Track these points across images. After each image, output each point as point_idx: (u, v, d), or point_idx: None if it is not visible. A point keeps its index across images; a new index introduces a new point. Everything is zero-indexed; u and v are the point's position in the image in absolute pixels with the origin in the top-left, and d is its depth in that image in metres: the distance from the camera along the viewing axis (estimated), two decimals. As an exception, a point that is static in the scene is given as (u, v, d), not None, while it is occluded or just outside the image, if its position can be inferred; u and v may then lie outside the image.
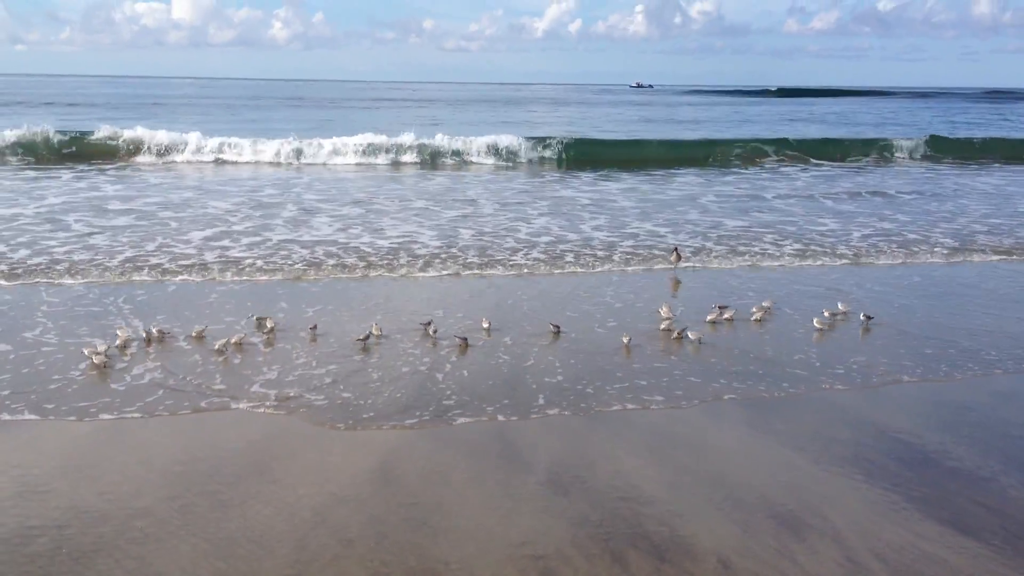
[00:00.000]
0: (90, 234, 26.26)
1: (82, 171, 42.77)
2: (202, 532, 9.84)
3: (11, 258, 22.71)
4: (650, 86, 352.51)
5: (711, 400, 14.26)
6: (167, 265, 22.50)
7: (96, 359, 14.72)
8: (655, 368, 15.66)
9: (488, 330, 17.43)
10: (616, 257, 24.96)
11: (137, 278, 21.13)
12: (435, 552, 9.62)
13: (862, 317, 18.69)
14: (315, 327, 17.06)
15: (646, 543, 9.89)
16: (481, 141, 53.51)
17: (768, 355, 16.52)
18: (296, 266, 22.86)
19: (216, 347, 15.74)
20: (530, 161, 53.19)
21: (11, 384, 14.03)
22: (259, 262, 23.17)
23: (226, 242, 25.67)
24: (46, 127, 50.29)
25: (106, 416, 12.99)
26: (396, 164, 51.07)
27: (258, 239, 26.33)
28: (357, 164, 50.22)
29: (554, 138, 56.43)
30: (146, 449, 11.96)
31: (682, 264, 23.73)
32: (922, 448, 12.58)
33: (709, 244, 27.34)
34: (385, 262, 23.60)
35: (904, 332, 18.13)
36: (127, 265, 22.30)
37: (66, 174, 41.37)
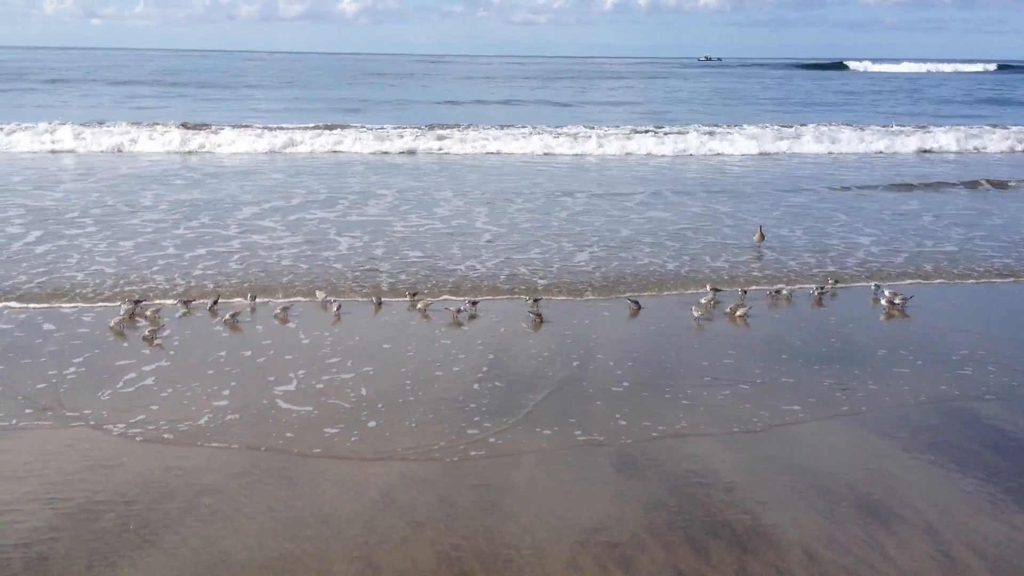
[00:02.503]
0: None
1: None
2: (269, 511, 9.64)
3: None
4: (719, 59, 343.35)
5: (790, 383, 13.69)
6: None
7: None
8: (731, 350, 15.15)
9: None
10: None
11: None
12: (506, 536, 9.27)
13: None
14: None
15: (727, 531, 9.42)
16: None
17: (848, 336, 15.86)
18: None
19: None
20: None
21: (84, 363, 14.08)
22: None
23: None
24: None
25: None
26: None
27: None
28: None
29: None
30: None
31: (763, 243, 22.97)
32: (1018, 436, 11.85)
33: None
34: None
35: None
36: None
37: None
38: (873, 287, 18.82)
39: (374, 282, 18.89)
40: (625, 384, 13.49)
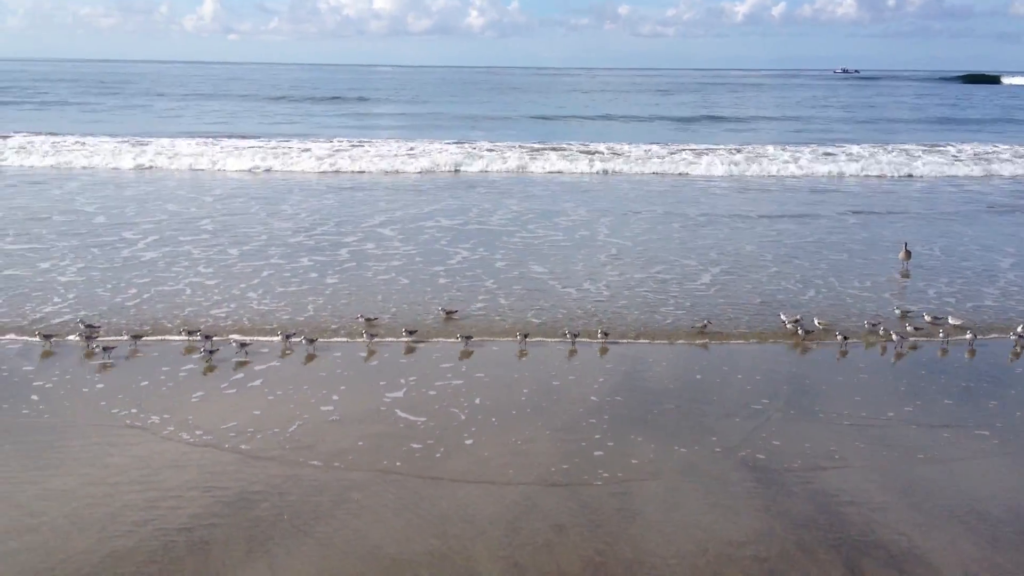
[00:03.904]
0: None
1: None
2: (415, 508, 9.82)
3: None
4: (856, 72, 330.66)
5: (942, 405, 13.15)
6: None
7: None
8: (884, 375, 14.70)
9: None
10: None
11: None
12: (650, 545, 9.17)
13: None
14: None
15: (882, 552, 9.07)
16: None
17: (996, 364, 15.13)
18: None
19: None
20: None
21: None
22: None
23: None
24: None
25: (317, 390, 13.36)
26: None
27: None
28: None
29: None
30: (361, 417, 12.19)
31: (910, 261, 22.12)
32: None
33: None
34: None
35: None
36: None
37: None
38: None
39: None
40: (764, 402, 13.22)
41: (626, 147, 48.38)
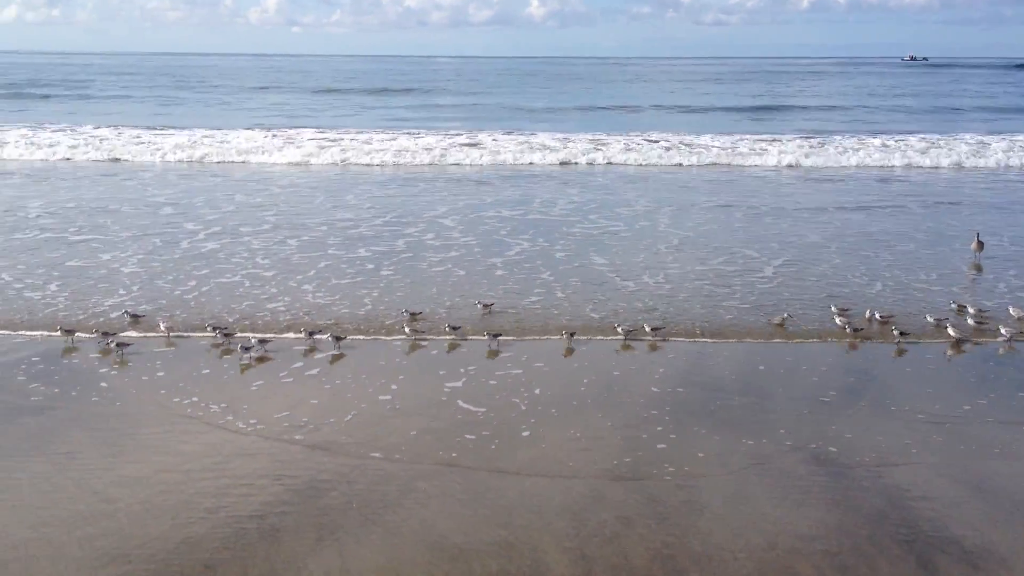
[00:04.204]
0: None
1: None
2: (481, 498, 9.87)
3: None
4: (924, 59, 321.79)
5: (1017, 399, 12.89)
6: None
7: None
8: (955, 369, 14.47)
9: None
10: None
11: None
12: (718, 539, 9.10)
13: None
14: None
15: (955, 548, 8.91)
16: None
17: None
18: None
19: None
20: None
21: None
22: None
23: None
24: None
25: (374, 380, 13.49)
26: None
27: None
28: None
29: None
30: (431, 413, 12.30)
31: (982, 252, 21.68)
32: None
33: None
34: None
35: None
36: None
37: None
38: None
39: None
40: (832, 394, 13.07)
41: (689, 137, 47.96)
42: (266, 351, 14.55)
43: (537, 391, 13.12)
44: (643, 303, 17.68)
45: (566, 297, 18.09)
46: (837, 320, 16.14)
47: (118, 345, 14.60)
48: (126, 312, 16.43)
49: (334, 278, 19.40)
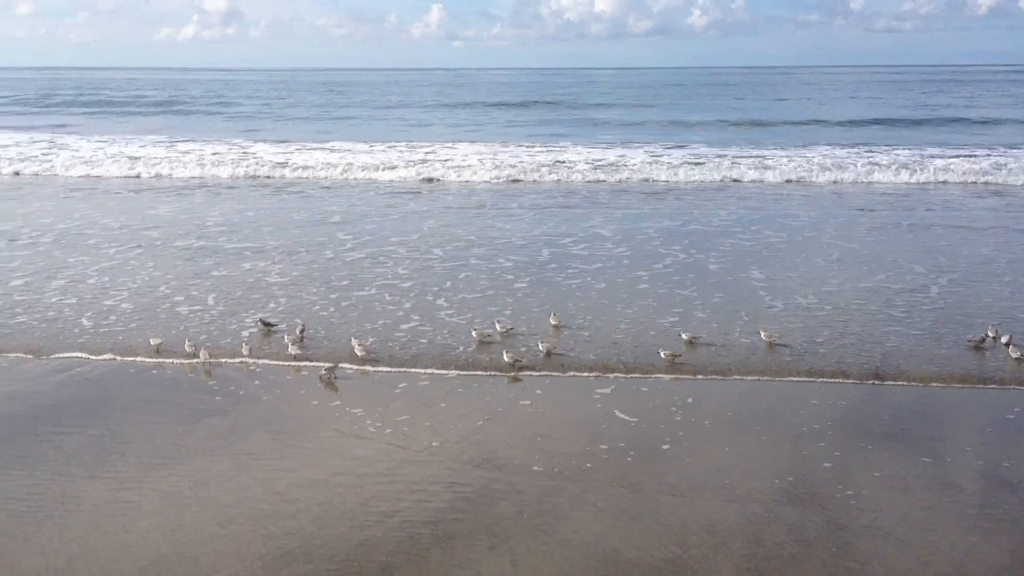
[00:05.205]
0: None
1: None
2: (653, 514, 9.80)
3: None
4: None
5: None
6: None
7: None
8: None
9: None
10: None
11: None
12: (904, 566, 8.72)
13: None
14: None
15: None
16: None
17: None
18: None
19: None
20: None
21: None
22: None
23: None
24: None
25: (558, 395, 13.64)
26: None
27: None
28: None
29: None
30: (592, 425, 12.36)
31: None
32: None
33: None
34: None
35: None
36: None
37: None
38: None
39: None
40: (1017, 411, 12.37)
41: (847, 151, 44.92)
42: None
43: (690, 399, 13.06)
44: (786, 327, 17.17)
45: (705, 318, 17.78)
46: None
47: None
48: (260, 320, 16.99)
49: (467, 291, 19.78)
